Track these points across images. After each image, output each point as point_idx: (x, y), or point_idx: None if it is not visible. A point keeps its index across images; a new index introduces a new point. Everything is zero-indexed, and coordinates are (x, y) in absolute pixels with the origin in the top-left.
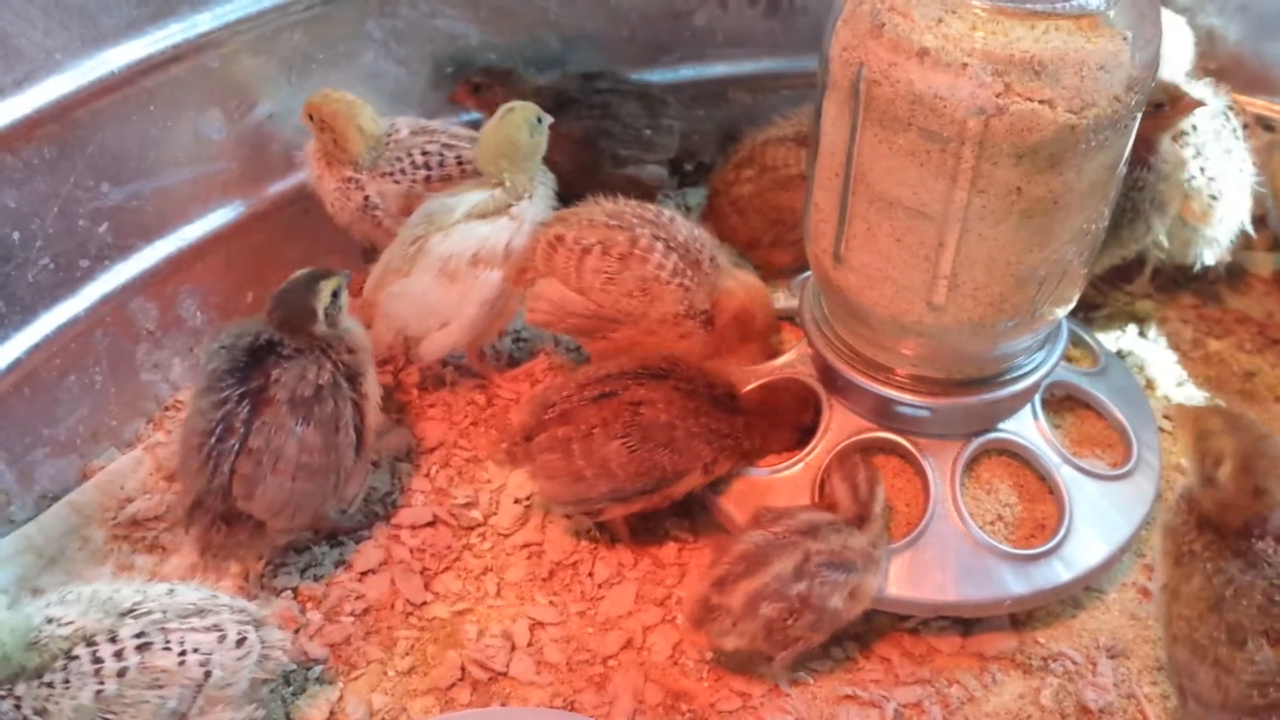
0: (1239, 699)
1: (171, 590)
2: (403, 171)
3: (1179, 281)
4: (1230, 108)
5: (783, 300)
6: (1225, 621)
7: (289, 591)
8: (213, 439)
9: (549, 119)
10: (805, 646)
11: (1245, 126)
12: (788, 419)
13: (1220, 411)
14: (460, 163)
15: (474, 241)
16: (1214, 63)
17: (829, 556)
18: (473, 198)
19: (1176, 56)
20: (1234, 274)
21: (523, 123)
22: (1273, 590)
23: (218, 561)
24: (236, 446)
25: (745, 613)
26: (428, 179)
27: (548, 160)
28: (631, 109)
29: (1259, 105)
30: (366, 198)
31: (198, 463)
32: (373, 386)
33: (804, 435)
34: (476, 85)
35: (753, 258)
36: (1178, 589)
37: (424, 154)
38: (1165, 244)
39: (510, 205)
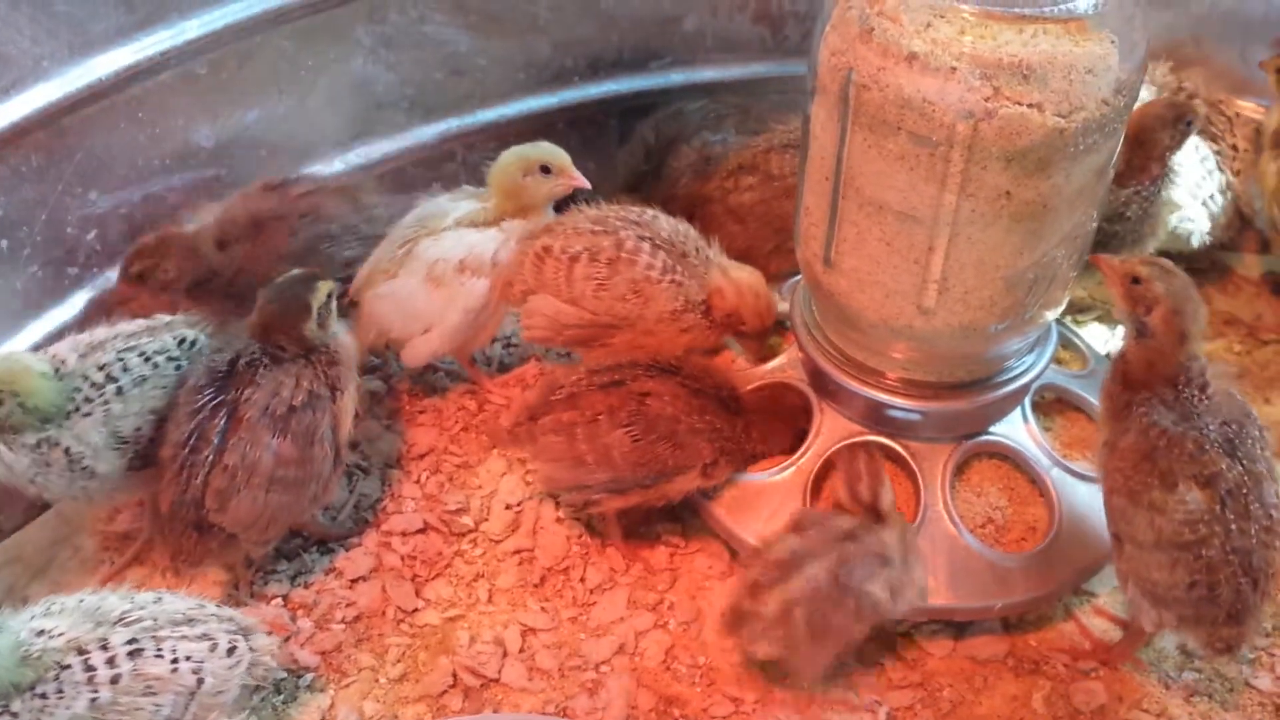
0: (1171, 536)
1: (159, 599)
2: (89, 400)
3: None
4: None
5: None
6: (1158, 468)
7: (279, 599)
8: (186, 450)
9: (569, 182)
10: (843, 644)
11: (1237, 116)
12: (786, 422)
13: (1151, 260)
14: (147, 358)
15: (462, 248)
16: (1203, 65)
17: (866, 553)
18: (467, 205)
19: None
20: (1223, 275)
21: (518, 162)
22: (1202, 440)
23: (188, 568)
24: (210, 459)
25: (779, 619)
26: (119, 391)
27: (260, 281)
28: (338, 207)
29: (1247, 108)
30: (68, 451)
31: (171, 472)
32: (350, 401)
33: (797, 439)
34: (139, 274)
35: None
36: (1115, 443)
37: (101, 369)
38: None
39: (502, 219)
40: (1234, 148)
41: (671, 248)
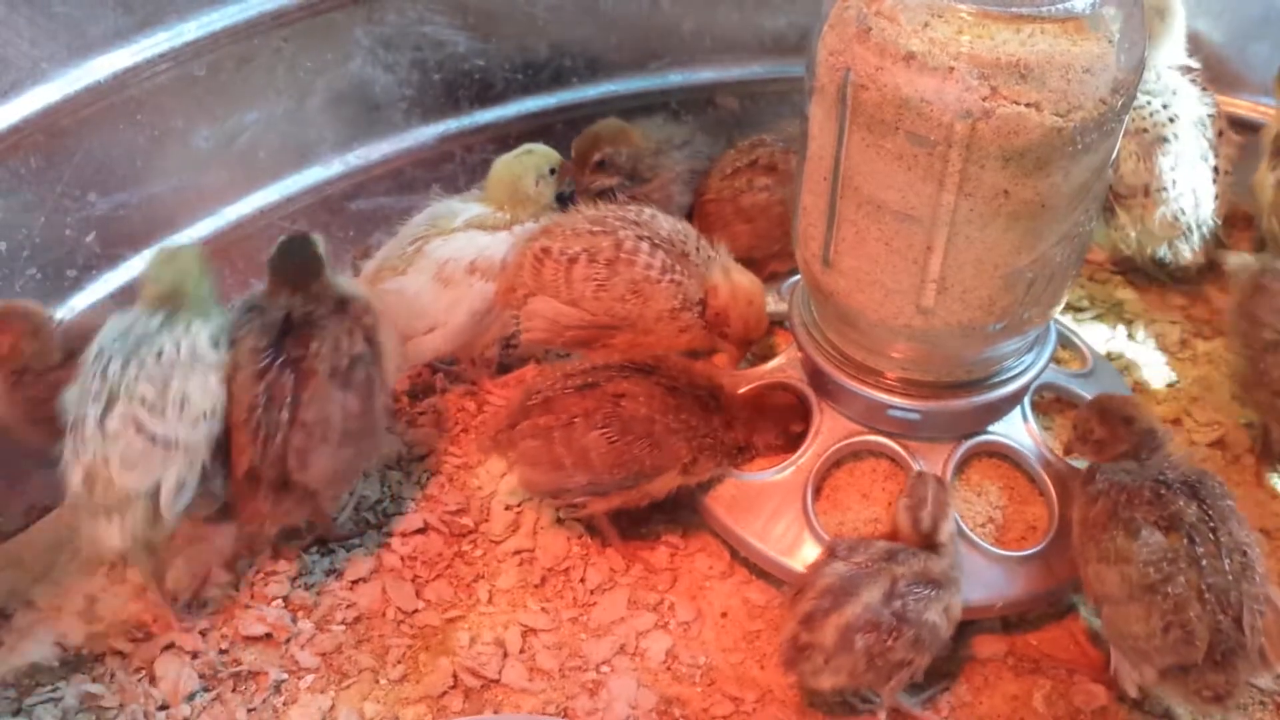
0: (1138, 581)
1: None
2: None
3: (1167, 281)
4: (1211, 115)
5: (773, 304)
6: (1121, 520)
7: (280, 600)
8: (259, 410)
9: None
10: (911, 673)
11: (1220, 134)
12: (776, 419)
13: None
14: None
15: (473, 250)
16: (1199, 63)
17: (915, 576)
18: (479, 208)
19: (1173, 42)
20: (1221, 274)
21: (531, 169)
22: (1158, 486)
23: (264, 530)
24: (288, 418)
25: (839, 647)
26: None
27: None
28: None
29: (1243, 106)
30: None
31: (246, 435)
32: (389, 347)
33: (795, 438)
34: None
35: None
36: (1086, 515)
37: None
38: (1134, 243)
39: (513, 224)
40: (1215, 169)
41: (671, 246)
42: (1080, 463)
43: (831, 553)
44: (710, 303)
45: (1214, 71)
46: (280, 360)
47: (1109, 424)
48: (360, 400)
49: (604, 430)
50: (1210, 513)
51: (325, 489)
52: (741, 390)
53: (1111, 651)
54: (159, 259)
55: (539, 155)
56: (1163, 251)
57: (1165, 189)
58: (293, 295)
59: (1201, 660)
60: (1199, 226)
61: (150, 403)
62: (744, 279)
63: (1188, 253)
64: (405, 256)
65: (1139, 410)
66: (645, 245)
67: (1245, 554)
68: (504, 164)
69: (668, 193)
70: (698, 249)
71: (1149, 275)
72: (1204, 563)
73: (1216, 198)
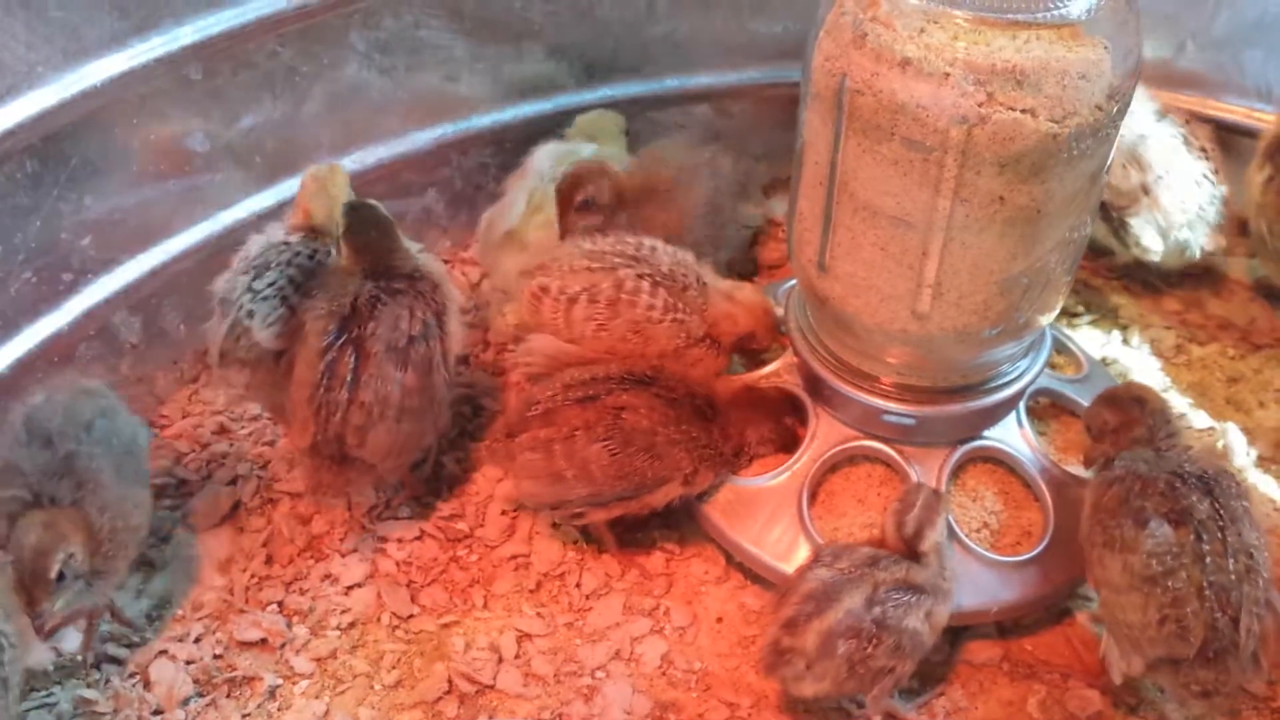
0: (1140, 571)
1: None
2: None
3: (1162, 286)
4: (1159, 106)
5: None
6: (1131, 509)
7: (275, 605)
8: (321, 390)
9: None
10: (895, 680)
11: (1186, 122)
12: (769, 412)
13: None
14: None
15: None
16: (1195, 68)
17: (896, 583)
18: (589, 146)
19: None
20: (1216, 280)
21: (616, 129)
22: (1174, 479)
23: (329, 498)
24: (347, 398)
25: (821, 653)
26: None
27: None
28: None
29: (1239, 111)
30: None
31: (309, 412)
32: (454, 323)
33: (791, 436)
34: None
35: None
36: (1099, 500)
37: None
38: (1157, 258)
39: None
40: (1201, 149)
41: (672, 283)
42: (1089, 473)
43: (816, 558)
44: (728, 330)
45: (1208, 76)
46: (342, 341)
47: (1121, 408)
48: (419, 377)
49: (606, 443)
50: (1222, 511)
51: (384, 462)
52: (730, 390)
53: (1103, 636)
54: (313, 177)
55: (613, 117)
56: (1185, 236)
57: (1162, 177)
58: (366, 269)
59: (1193, 656)
60: (1210, 205)
61: None
62: (746, 293)
63: (1205, 234)
64: (550, 195)
65: (1148, 390)
66: (646, 284)
67: (1251, 556)
68: (596, 117)
69: (688, 223)
70: (697, 280)
71: (1145, 281)
72: (1208, 560)
73: (1216, 172)
